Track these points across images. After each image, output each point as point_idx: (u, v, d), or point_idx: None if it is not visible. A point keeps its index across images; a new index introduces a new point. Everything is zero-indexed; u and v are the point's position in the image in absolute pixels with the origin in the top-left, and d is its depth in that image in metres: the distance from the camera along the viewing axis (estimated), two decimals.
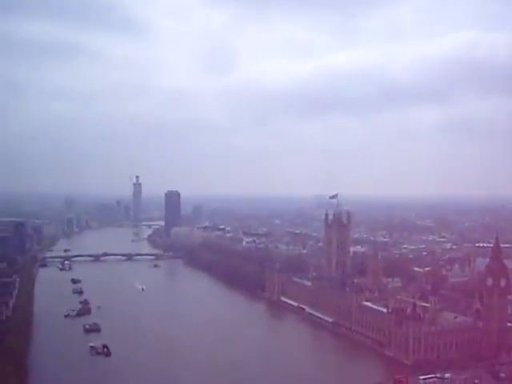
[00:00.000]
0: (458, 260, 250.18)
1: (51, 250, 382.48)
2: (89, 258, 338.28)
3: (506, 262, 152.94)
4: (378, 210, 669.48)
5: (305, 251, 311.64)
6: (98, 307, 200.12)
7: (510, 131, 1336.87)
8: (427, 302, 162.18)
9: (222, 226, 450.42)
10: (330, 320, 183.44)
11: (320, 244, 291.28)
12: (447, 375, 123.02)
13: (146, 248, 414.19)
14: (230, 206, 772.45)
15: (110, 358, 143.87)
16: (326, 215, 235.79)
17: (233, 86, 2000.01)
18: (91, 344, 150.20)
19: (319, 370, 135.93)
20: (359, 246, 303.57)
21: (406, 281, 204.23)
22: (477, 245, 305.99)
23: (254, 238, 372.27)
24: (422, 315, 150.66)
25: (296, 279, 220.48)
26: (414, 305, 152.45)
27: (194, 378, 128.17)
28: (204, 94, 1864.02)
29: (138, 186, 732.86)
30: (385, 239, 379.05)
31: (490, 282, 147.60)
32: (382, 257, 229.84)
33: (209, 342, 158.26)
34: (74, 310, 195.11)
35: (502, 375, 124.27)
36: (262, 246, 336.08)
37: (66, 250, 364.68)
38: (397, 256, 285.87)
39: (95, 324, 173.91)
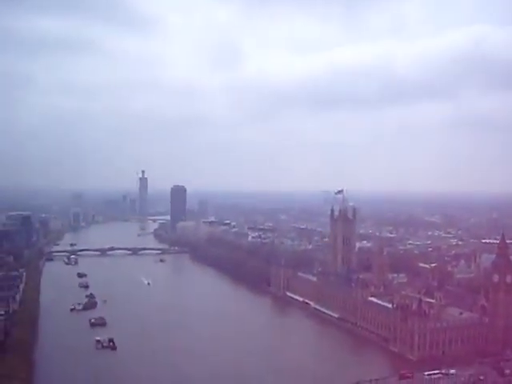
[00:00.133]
0: (464, 256, 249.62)
1: (57, 244, 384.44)
2: (95, 253, 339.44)
3: None
4: (384, 206, 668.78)
5: (310, 246, 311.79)
6: (104, 301, 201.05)
7: None
8: (433, 298, 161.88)
9: (228, 221, 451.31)
10: (336, 315, 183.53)
11: (326, 239, 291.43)
12: (452, 371, 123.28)
13: (151, 242, 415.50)
14: (235, 200, 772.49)
15: (116, 352, 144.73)
16: (332, 211, 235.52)
17: (238, 81, 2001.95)
18: (97, 338, 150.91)
19: (324, 365, 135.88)
20: (365, 242, 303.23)
21: (411, 276, 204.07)
22: (483, 241, 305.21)
23: (260, 233, 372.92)
24: (427, 311, 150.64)
25: (301, 274, 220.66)
26: (420, 300, 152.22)
27: (200, 372, 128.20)
28: (210, 89, 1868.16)
29: (144, 180, 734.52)
30: (391, 235, 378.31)
31: (495, 278, 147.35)
32: (388, 252, 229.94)
33: (215, 336, 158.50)
34: (80, 304, 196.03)
35: (507, 371, 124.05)
36: (267, 241, 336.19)
37: (72, 244, 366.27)
38: (402, 252, 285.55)
39: (101, 318, 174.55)
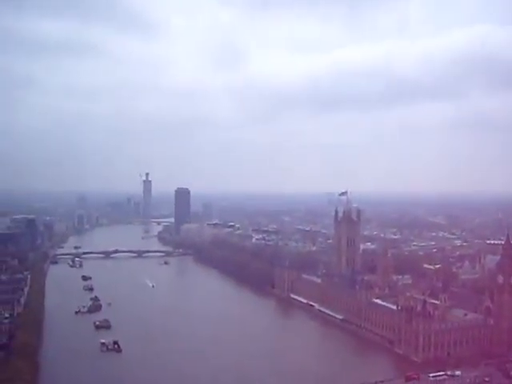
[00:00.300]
0: (469, 257, 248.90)
1: (62, 247, 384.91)
2: (99, 255, 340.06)
3: None
4: (388, 207, 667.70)
5: (314, 248, 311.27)
6: (109, 304, 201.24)
7: None
8: (437, 300, 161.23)
9: (232, 223, 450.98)
10: (340, 317, 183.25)
11: (330, 241, 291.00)
12: (457, 372, 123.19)
13: (155, 245, 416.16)
14: (239, 203, 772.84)
15: (121, 355, 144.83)
16: (336, 212, 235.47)
17: (242, 82, 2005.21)
18: (102, 340, 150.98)
19: (329, 367, 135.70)
20: (369, 243, 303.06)
21: (416, 278, 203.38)
22: (487, 242, 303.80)
23: (264, 235, 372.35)
24: (432, 312, 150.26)
25: (305, 276, 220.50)
26: (424, 302, 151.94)
27: (204, 375, 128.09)
28: (212, 90, 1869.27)
29: (148, 183, 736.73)
30: (395, 236, 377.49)
31: (500, 279, 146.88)
32: (392, 254, 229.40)
33: (219, 339, 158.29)
34: (84, 307, 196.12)
35: None
36: (271, 243, 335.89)
37: (76, 247, 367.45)
38: (407, 253, 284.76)
39: (106, 320, 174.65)
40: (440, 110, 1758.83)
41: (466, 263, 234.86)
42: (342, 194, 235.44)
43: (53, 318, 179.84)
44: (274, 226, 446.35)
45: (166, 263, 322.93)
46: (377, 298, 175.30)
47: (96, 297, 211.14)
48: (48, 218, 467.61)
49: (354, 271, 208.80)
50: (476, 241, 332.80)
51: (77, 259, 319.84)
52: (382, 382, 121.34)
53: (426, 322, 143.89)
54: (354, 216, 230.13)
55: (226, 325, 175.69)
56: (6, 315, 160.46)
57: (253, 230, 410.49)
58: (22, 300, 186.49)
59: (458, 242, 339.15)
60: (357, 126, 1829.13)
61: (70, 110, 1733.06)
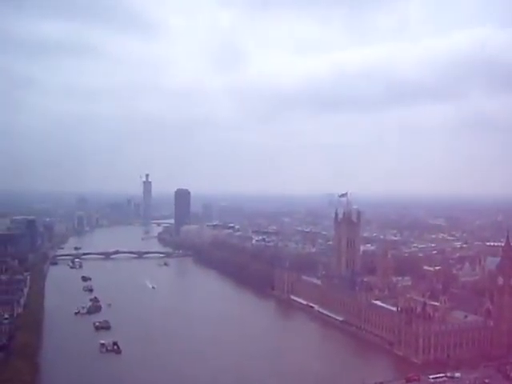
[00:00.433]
0: (469, 259, 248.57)
1: (62, 248, 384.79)
2: (99, 256, 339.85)
3: None
4: (388, 209, 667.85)
5: (314, 250, 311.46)
6: (109, 305, 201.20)
7: None
8: (437, 301, 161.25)
9: (232, 224, 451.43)
10: (340, 318, 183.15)
11: (330, 242, 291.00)
12: (457, 374, 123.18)
13: (155, 246, 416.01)
14: (239, 204, 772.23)
15: (121, 355, 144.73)
16: (336, 214, 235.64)
17: (242, 83, 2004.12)
18: (101, 341, 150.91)
19: (328, 368, 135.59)
20: (369, 245, 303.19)
21: (415, 279, 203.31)
22: (487, 243, 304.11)
23: (264, 237, 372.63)
24: (431, 314, 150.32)
25: (305, 277, 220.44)
26: (424, 304, 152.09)
27: (204, 376, 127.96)
28: (212, 91, 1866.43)
29: (148, 184, 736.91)
30: (395, 238, 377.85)
31: (500, 281, 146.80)
32: (392, 255, 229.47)
33: (219, 340, 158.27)
34: (84, 308, 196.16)
35: None
36: (271, 244, 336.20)
37: (76, 248, 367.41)
38: (407, 255, 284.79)
39: (105, 321, 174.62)
40: (440, 111, 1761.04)
41: (466, 265, 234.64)
42: (342, 195, 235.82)
43: (52, 318, 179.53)
44: (274, 227, 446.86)
45: (165, 264, 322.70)
46: (376, 300, 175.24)
47: (96, 298, 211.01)
48: (48, 219, 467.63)
49: (353, 272, 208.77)
50: (476, 242, 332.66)
51: (77, 260, 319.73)
52: (382, 383, 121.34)
53: (426, 323, 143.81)
54: (354, 217, 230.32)
55: (226, 326, 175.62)
56: (6, 316, 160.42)
57: (253, 231, 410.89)
58: (22, 301, 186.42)
59: (458, 244, 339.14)
60: (357, 127, 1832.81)
61: (69, 111, 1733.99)
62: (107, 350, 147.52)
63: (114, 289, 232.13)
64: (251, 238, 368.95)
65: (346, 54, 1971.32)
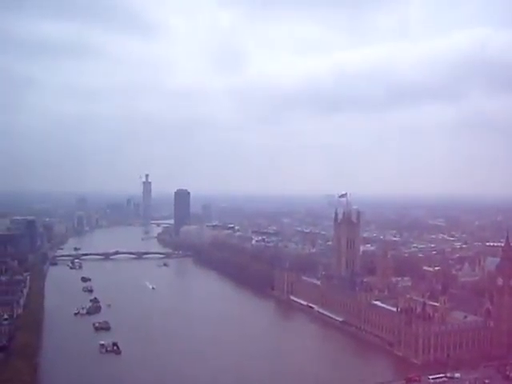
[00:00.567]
0: (469, 259, 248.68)
1: (62, 249, 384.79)
2: (99, 257, 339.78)
3: None
4: (388, 209, 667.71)
5: (314, 250, 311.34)
6: (108, 305, 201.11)
7: None
8: (437, 302, 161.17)
9: (232, 225, 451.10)
10: (340, 319, 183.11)
11: (329, 243, 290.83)
12: (457, 375, 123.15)
13: (155, 246, 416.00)
14: (239, 204, 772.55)
15: (120, 356, 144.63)
16: (336, 214, 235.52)
17: (242, 83, 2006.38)
18: (101, 342, 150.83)
19: (328, 369, 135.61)
20: (369, 245, 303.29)
21: (415, 280, 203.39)
22: (487, 244, 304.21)
23: (264, 237, 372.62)
24: (431, 314, 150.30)
25: (305, 278, 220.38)
26: (424, 304, 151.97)
27: (204, 376, 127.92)
28: (213, 92, 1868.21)
29: (147, 184, 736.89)
30: (395, 238, 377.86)
31: (500, 281, 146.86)
32: (392, 256, 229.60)
33: (219, 340, 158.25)
34: (83, 308, 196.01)
35: None
36: (271, 244, 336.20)
37: (76, 249, 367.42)
38: (406, 255, 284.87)
39: (105, 322, 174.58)
40: (440, 111, 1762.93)
41: (466, 265, 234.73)
42: (342, 195, 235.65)
43: (52, 319, 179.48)
44: (274, 228, 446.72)
45: (165, 265, 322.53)
46: (376, 300, 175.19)
47: (95, 298, 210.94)
48: (48, 220, 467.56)
49: (353, 273, 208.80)
50: (476, 243, 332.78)
51: (76, 261, 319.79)
52: (382, 383, 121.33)
53: (426, 324, 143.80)
54: (353, 218, 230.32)
55: (226, 326, 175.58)
56: (6, 316, 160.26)
57: (252, 232, 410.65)
58: (22, 301, 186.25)
59: (457, 244, 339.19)
60: (357, 127, 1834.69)
61: (69, 111, 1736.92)
62: (107, 350, 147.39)
63: (114, 289, 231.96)
64: (251, 239, 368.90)
65: (346, 55, 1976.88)
